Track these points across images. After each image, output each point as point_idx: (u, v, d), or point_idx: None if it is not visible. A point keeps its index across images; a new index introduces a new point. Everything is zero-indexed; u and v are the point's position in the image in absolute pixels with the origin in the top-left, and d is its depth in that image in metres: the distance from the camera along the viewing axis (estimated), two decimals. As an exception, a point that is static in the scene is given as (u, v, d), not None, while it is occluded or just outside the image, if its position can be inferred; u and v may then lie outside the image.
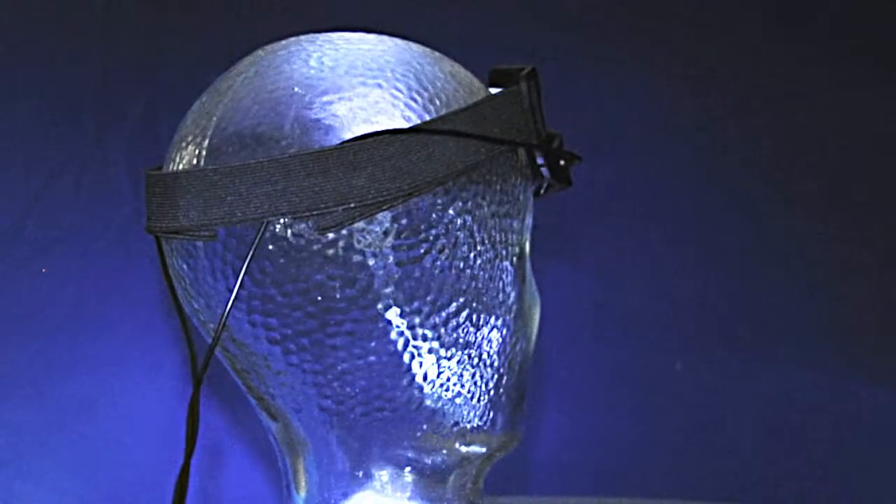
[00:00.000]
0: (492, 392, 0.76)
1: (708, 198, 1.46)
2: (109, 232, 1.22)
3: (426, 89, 0.73)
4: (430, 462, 0.76)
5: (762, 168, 1.48)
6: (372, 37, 0.78)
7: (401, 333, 0.72)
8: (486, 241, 0.74)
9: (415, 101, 0.72)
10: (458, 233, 0.72)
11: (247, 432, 1.24)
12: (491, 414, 0.77)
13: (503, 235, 0.75)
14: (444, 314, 0.73)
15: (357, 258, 0.71)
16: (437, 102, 0.72)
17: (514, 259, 0.76)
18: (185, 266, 0.76)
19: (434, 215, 0.71)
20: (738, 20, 1.49)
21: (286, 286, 0.72)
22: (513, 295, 0.76)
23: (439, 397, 0.75)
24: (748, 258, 1.47)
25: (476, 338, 0.75)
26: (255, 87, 0.74)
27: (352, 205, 0.69)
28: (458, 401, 0.75)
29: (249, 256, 0.70)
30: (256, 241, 0.70)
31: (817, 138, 1.50)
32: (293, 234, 0.71)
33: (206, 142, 0.74)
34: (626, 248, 1.38)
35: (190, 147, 0.75)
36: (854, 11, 1.52)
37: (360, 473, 0.76)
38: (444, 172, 0.71)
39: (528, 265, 0.78)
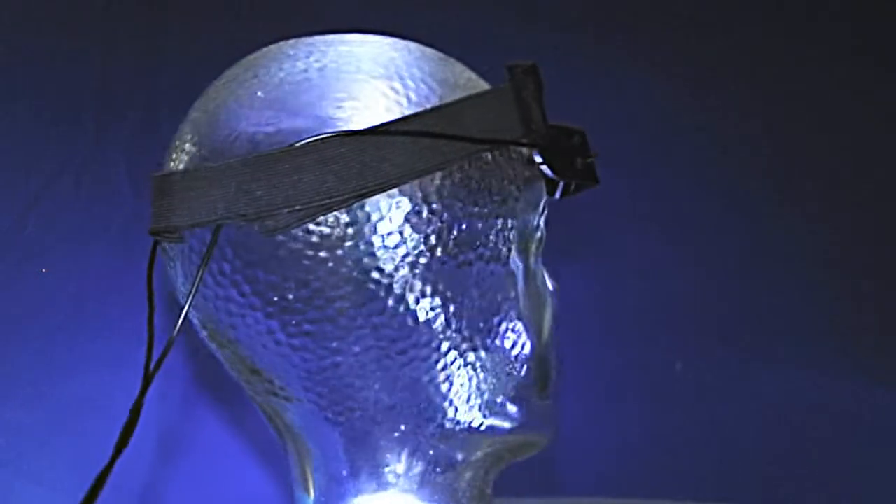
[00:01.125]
0: (486, 395, 0.75)
1: (708, 198, 1.46)
2: (109, 232, 1.22)
3: (396, 91, 0.72)
4: (426, 464, 0.76)
5: (762, 168, 1.48)
6: (357, 37, 0.77)
7: (361, 336, 0.72)
8: (461, 242, 0.72)
9: (384, 101, 0.72)
10: (422, 234, 0.72)
11: (246, 433, 1.24)
12: (485, 417, 0.75)
13: (484, 236, 0.73)
14: (409, 317, 0.72)
15: (306, 261, 0.71)
16: (405, 103, 0.72)
17: (503, 259, 0.74)
18: (169, 267, 0.78)
19: (392, 216, 0.71)
20: (738, 20, 1.49)
21: (243, 287, 0.73)
22: (500, 296, 0.75)
23: (415, 399, 0.74)
24: (748, 258, 1.47)
25: (454, 340, 0.73)
26: (225, 93, 0.75)
27: (297, 207, 0.69)
28: (437, 402, 0.74)
29: (204, 260, 0.71)
30: (211, 244, 0.71)
31: (817, 138, 1.50)
32: (246, 236, 0.71)
33: (185, 146, 0.76)
34: (627, 248, 1.38)
35: (171, 152, 0.78)
36: (854, 11, 1.52)
37: (361, 475, 0.76)
38: (397, 174, 0.70)
39: (532, 266, 0.77)
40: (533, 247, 0.77)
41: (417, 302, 0.72)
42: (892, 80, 1.52)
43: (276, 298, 0.72)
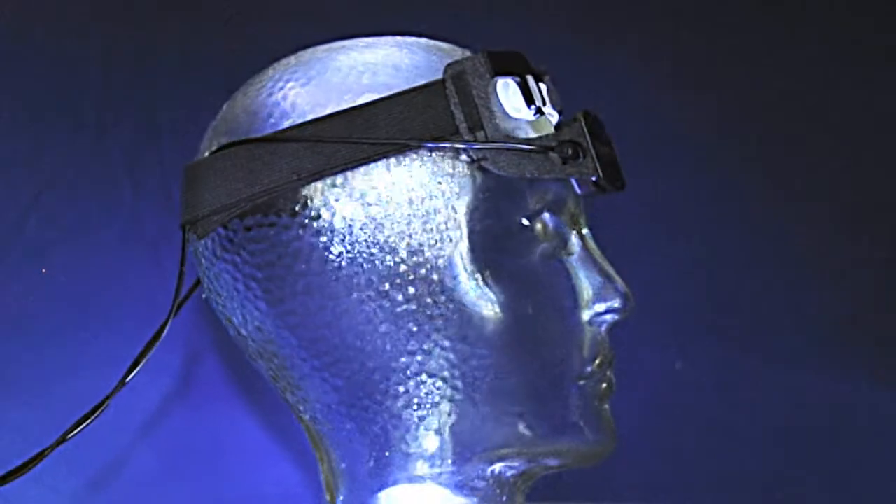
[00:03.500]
0: (474, 405, 0.73)
1: (708, 197, 1.46)
2: (109, 232, 1.22)
3: (318, 99, 0.74)
4: (446, 470, 0.75)
5: (762, 168, 1.48)
6: (343, 43, 0.78)
7: (287, 340, 0.75)
8: (365, 246, 0.72)
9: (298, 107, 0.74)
10: (324, 238, 0.72)
11: (247, 432, 1.24)
12: (488, 429, 0.74)
13: (398, 239, 0.72)
14: (318, 326, 0.73)
15: (226, 266, 0.75)
16: (318, 110, 0.73)
17: (434, 261, 0.72)
18: None
19: (288, 221, 0.73)
20: (738, 20, 1.49)
21: (209, 286, 0.78)
22: (442, 298, 0.73)
23: (394, 407, 0.74)
24: (748, 257, 1.47)
25: (387, 348, 0.73)
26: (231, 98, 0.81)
27: (217, 210, 0.74)
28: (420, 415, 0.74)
29: (180, 261, 0.77)
30: (182, 246, 0.77)
31: (817, 138, 1.50)
32: (197, 240, 0.77)
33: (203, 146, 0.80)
34: (627, 248, 1.38)
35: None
36: (854, 11, 1.52)
37: (383, 475, 0.75)
38: (285, 178, 0.72)
39: (494, 269, 0.73)
40: (478, 251, 0.74)
41: (323, 310, 0.74)
42: (892, 79, 1.52)
43: (227, 297, 0.77)
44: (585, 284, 0.76)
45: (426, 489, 0.75)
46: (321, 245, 0.73)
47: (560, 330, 0.75)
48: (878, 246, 1.50)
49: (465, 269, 0.72)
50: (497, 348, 0.73)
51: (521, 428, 0.74)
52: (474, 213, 0.72)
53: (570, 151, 0.71)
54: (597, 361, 0.75)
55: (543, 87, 0.75)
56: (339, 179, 0.72)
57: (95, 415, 0.77)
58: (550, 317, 0.74)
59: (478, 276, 0.73)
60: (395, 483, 0.75)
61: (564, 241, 0.76)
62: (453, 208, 0.72)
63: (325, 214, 0.72)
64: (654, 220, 1.42)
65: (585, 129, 0.72)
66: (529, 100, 0.73)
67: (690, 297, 1.43)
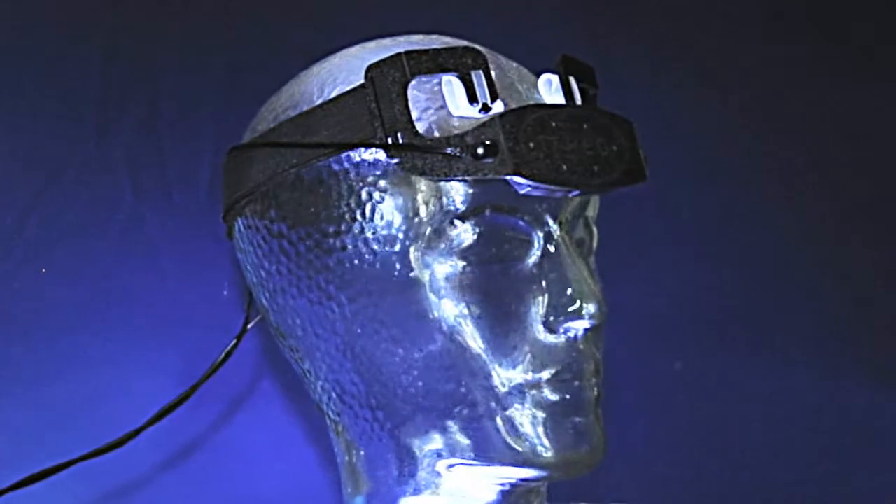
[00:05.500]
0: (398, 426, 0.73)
1: (709, 197, 1.46)
2: (109, 232, 1.22)
3: (297, 104, 0.75)
4: (454, 475, 0.74)
5: (762, 168, 1.48)
6: (356, 48, 0.78)
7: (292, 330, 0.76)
8: (311, 246, 0.73)
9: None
10: (281, 239, 0.75)
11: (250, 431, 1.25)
12: (426, 436, 0.73)
13: (333, 239, 0.72)
14: (288, 323, 0.76)
15: (241, 259, 0.79)
16: (281, 117, 0.75)
17: (358, 262, 0.72)
18: None
19: (257, 223, 0.76)
20: (739, 19, 1.49)
21: (245, 276, 0.80)
22: (388, 300, 0.72)
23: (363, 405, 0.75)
24: (749, 258, 1.47)
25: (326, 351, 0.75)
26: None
27: (227, 209, 0.79)
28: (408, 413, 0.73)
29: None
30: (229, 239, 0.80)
31: (817, 138, 1.50)
32: (227, 237, 0.81)
33: None
34: (627, 249, 1.38)
35: None
36: (855, 11, 1.52)
37: (401, 472, 0.75)
38: (251, 184, 0.75)
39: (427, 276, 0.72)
40: (418, 250, 0.73)
41: (299, 314, 0.76)
42: (892, 79, 1.52)
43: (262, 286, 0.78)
44: (546, 290, 0.72)
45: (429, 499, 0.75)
46: (276, 247, 0.75)
47: (495, 337, 0.71)
48: (879, 246, 1.50)
49: (397, 273, 0.72)
50: (432, 354, 0.72)
51: (459, 437, 0.72)
52: (403, 216, 0.72)
53: (481, 151, 0.68)
54: (551, 371, 0.72)
55: (496, 82, 0.72)
56: (289, 182, 0.74)
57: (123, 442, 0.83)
58: (484, 323, 0.71)
59: (414, 278, 0.72)
60: (411, 487, 0.75)
61: (526, 243, 0.73)
62: (381, 211, 0.72)
63: (275, 218, 0.74)
64: (655, 220, 1.42)
65: (502, 128, 0.68)
66: (472, 97, 0.70)
67: (691, 297, 1.43)
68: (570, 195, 0.72)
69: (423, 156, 0.69)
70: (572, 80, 0.75)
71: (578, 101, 0.75)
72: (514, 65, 0.76)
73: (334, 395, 0.76)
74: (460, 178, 0.69)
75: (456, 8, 1.33)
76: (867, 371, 1.45)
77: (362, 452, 0.76)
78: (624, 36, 1.43)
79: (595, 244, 0.79)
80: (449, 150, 0.68)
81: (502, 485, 0.75)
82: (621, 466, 1.38)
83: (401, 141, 0.69)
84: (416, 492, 0.74)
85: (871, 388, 1.45)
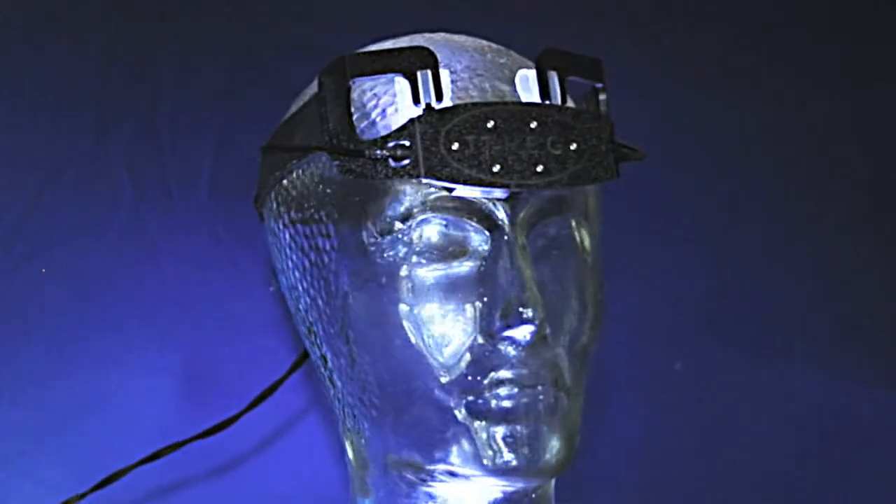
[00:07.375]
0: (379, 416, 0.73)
1: (709, 197, 1.45)
2: (109, 232, 1.22)
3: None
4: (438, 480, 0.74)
5: (763, 168, 1.48)
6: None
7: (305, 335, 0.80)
8: (298, 248, 0.76)
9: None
10: (280, 238, 0.78)
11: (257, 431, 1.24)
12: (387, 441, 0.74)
13: (314, 240, 0.74)
14: (303, 323, 0.79)
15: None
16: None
17: (340, 264, 0.73)
18: None
19: (271, 223, 0.80)
20: (739, 19, 1.49)
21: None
22: (338, 301, 0.73)
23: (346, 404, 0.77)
24: (749, 258, 1.46)
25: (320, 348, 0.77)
26: None
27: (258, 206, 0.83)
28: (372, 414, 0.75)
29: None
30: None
31: (818, 138, 1.50)
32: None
33: None
34: (627, 249, 1.38)
35: None
36: (854, 11, 1.52)
37: (391, 476, 0.76)
38: (260, 185, 0.80)
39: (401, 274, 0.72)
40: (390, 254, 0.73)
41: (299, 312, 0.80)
42: (892, 79, 1.52)
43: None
44: (485, 295, 0.71)
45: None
46: (274, 245, 0.79)
47: (438, 340, 0.70)
48: (880, 246, 1.50)
49: (356, 275, 0.72)
50: (371, 355, 0.72)
51: (397, 439, 0.73)
52: (355, 217, 0.72)
53: (399, 153, 0.68)
54: (494, 378, 0.70)
55: (448, 82, 0.71)
56: (273, 183, 0.79)
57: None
58: (430, 326, 0.70)
59: (370, 279, 0.72)
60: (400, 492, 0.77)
61: (469, 245, 0.71)
62: (332, 214, 0.73)
63: (268, 216, 0.80)
64: (655, 220, 1.42)
65: (419, 129, 0.67)
66: (416, 97, 0.69)
67: (691, 297, 1.43)
68: (505, 195, 0.71)
69: (356, 159, 0.69)
70: (553, 76, 0.73)
71: (557, 98, 0.72)
72: (503, 61, 0.75)
73: (331, 392, 0.79)
74: (382, 179, 0.69)
75: (459, 7, 1.33)
76: (868, 371, 1.45)
77: (353, 448, 0.79)
78: (624, 36, 1.43)
79: (589, 244, 0.77)
80: (378, 153, 0.68)
81: (489, 492, 0.74)
82: (621, 466, 1.38)
83: (337, 144, 0.69)
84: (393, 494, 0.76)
85: (871, 388, 1.45)
